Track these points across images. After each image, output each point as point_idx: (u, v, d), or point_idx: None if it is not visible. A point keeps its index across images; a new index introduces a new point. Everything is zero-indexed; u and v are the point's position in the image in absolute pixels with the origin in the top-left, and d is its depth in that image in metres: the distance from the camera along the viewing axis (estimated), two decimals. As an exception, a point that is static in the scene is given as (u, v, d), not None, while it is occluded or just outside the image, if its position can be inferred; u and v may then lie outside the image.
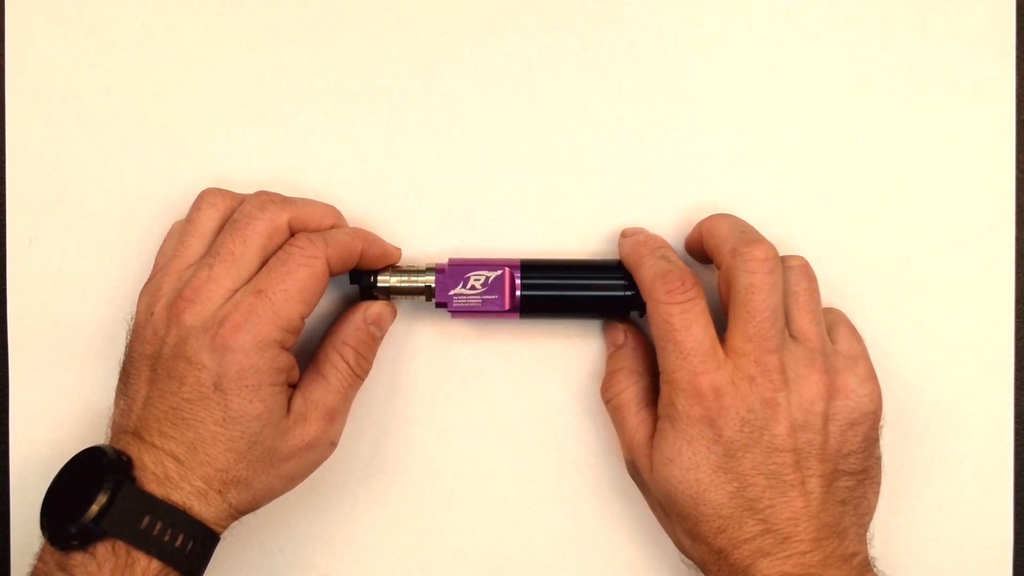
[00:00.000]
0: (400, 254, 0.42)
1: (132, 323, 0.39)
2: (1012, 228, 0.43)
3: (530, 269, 0.41)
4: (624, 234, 0.42)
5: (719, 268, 0.40)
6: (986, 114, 0.43)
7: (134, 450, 0.36)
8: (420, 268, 0.41)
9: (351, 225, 0.43)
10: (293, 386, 0.39)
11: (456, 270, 0.40)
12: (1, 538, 0.44)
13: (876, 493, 0.39)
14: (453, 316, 0.41)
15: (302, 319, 0.38)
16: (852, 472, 0.37)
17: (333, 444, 0.40)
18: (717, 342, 0.37)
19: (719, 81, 0.43)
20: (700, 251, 0.42)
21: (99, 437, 0.43)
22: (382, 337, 0.42)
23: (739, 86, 0.43)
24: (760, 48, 0.43)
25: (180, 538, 0.35)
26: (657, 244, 0.40)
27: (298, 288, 0.37)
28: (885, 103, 0.43)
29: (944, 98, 0.43)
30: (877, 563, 0.38)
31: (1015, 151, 0.43)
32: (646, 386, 0.41)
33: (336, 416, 0.40)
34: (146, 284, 0.40)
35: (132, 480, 0.35)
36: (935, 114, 0.43)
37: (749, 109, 0.43)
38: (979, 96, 0.43)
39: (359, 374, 0.41)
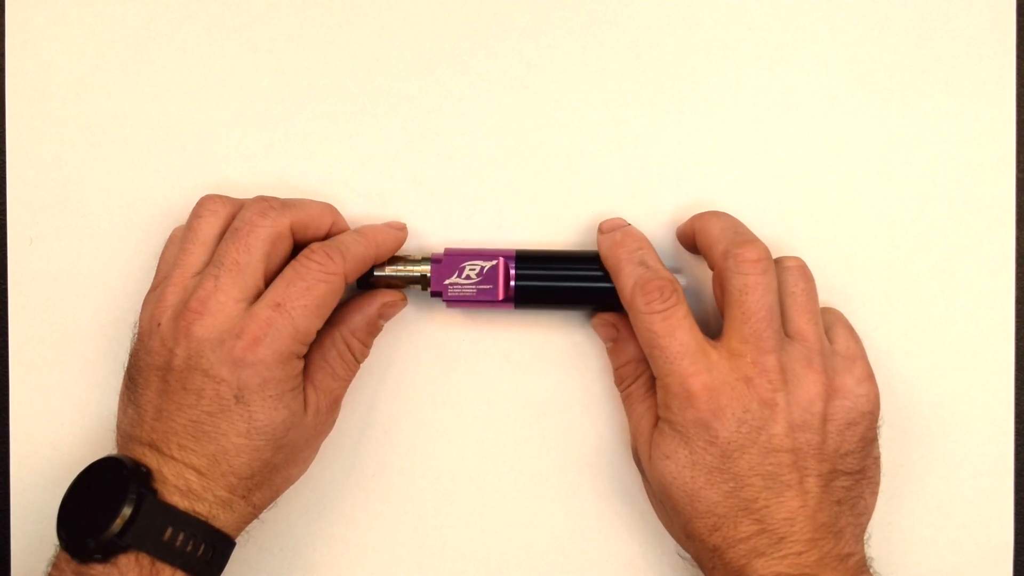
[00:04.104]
0: (406, 232, 0.42)
1: (136, 331, 0.39)
2: (1012, 228, 0.43)
3: (525, 260, 0.41)
4: (601, 229, 0.42)
5: (712, 270, 0.39)
6: (986, 114, 0.43)
7: (152, 461, 0.36)
8: (416, 258, 0.41)
9: (350, 225, 0.43)
10: None
11: (451, 259, 0.41)
12: (1, 538, 0.44)
13: (874, 493, 0.39)
14: (448, 305, 0.41)
15: (317, 331, 0.38)
16: (849, 472, 0.37)
17: (335, 422, 0.41)
18: (705, 343, 0.37)
19: (719, 81, 0.43)
20: (692, 243, 0.42)
21: (100, 439, 0.43)
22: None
23: (739, 86, 0.43)
24: (760, 48, 0.43)
25: (201, 547, 0.35)
26: (635, 246, 0.40)
27: (316, 304, 0.37)
28: (885, 103, 0.43)
29: (944, 98, 0.43)
30: (877, 563, 0.38)
31: (1015, 151, 0.43)
32: (652, 374, 0.41)
33: (340, 401, 0.41)
34: (149, 293, 0.39)
35: (153, 492, 0.35)
36: (935, 114, 0.43)
37: (749, 109, 0.43)
38: (979, 96, 0.43)
39: (361, 361, 0.41)
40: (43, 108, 0.44)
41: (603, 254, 0.40)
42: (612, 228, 0.41)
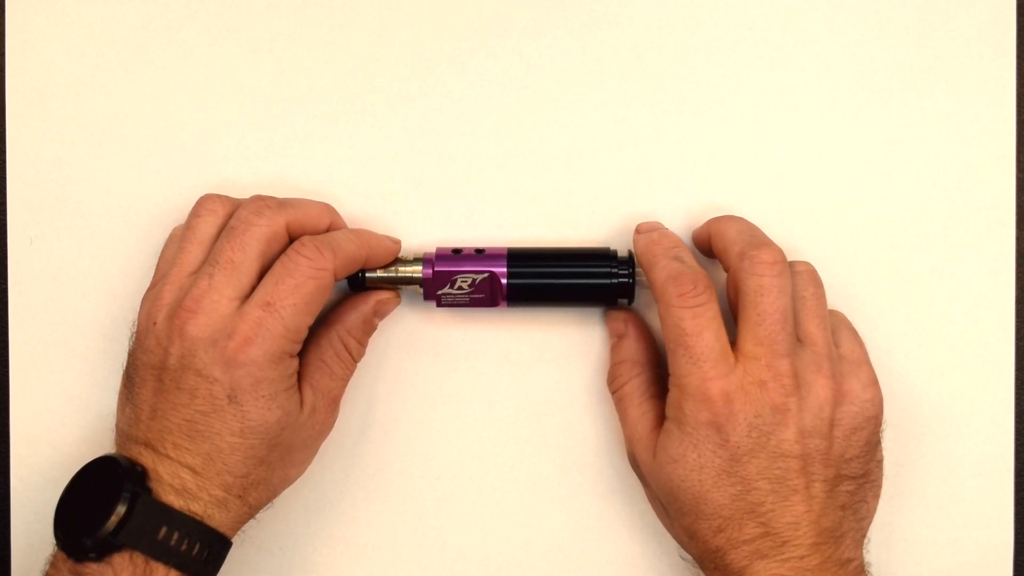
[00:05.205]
0: (399, 247, 0.42)
1: (134, 330, 0.39)
2: (1012, 228, 0.43)
3: (517, 258, 0.41)
4: (639, 230, 0.42)
5: (727, 271, 0.39)
6: (986, 114, 0.43)
7: (147, 460, 0.36)
8: (408, 259, 0.41)
9: (349, 224, 0.43)
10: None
11: (442, 273, 0.40)
12: (1, 538, 0.44)
13: (876, 496, 0.39)
14: (440, 307, 0.41)
15: (308, 328, 0.38)
16: (854, 476, 0.37)
17: (334, 423, 0.41)
18: (728, 347, 0.37)
19: (719, 81, 0.43)
20: (707, 247, 0.42)
21: (100, 438, 0.43)
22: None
23: (739, 86, 0.43)
24: (760, 48, 0.43)
25: (196, 547, 0.35)
26: (671, 244, 0.40)
27: (306, 302, 0.37)
28: (885, 103, 0.43)
29: (944, 98, 0.43)
30: (878, 563, 0.38)
31: (1015, 151, 0.43)
32: (649, 377, 0.41)
33: (339, 400, 0.41)
34: (147, 291, 0.40)
35: (148, 491, 0.35)
36: (935, 114, 0.43)
37: (748, 109, 0.43)
38: (979, 96, 0.43)
39: (358, 360, 0.41)
40: (43, 108, 0.44)
41: (638, 251, 0.40)
42: (649, 230, 0.41)
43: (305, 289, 0.37)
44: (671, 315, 0.37)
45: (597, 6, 0.43)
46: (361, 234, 0.41)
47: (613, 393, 0.42)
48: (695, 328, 0.37)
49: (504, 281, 0.40)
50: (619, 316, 0.42)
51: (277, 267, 0.37)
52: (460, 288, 0.40)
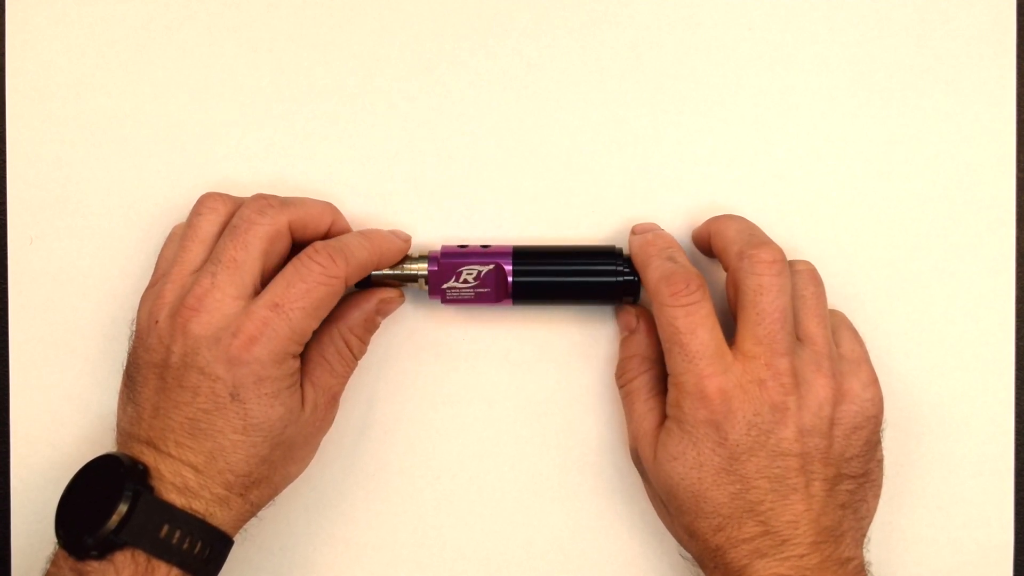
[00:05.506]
0: (409, 245, 0.42)
1: (134, 328, 0.39)
2: (1012, 228, 0.43)
3: (522, 256, 0.41)
4: (634, 231, 0.42)
5: (727, 271, 0.40)
6: (986, 114, 0.43)
7: (149, 459, 0.36)
8: (413, 256, 0.41)
9: (351, 225, 0.43)
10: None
11: (448, 264, 0.41)
12: (1, 538, 0.44)
13: (876, 496, 0.39)
14: (445, 303, 0.41)
15: (313, 331, 0.38)
16: (854, 476, 0.37)
17: (333, 419, 0.41)
18: (724, 344, 0.37)
19: (719, 81, 0.43)
20: (707, 246, 0.42)
21: (100, 438, 0.43)
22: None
23: (739, 86, 0.43)
24: (760, 48, 0.43)
25: (198, 545, 0.35)
26: (664, 244, 0.40)
27: (315, 306, 0.37)
28: (885, 103, 0.43)
29: (944, 98, 0.43)
30: (877, 563, 0.38)
31: (1015, 151, 0.43)
32: (657, 374, 0.41)
33: (339, 397, 0.41)
34: (147, 290, 0.39)
35: (150, 490, 0.35)
36: (935, 114, 0.43)
37: (748, 109, 0.43)
38: (979, 96, 0.43)
39: (359, 358, 0.41)
40: (43, 108, 0.44)
41: (633, 251, 0.41)
42: (644, 231, 0.42)
43: (315, 294, 0.37)
44: (664, 314, 0.37)
45: (597, 6, 0.43)
46: (372, 238, 0.40)
47: (621, 388, 0.42)
48: (688, 326, 0.37)
49: (510, 277, 0.40)
50: (631, 311, 0.42)
51: (289, 270, 0.37)
52: (465, 281, 0.40)
